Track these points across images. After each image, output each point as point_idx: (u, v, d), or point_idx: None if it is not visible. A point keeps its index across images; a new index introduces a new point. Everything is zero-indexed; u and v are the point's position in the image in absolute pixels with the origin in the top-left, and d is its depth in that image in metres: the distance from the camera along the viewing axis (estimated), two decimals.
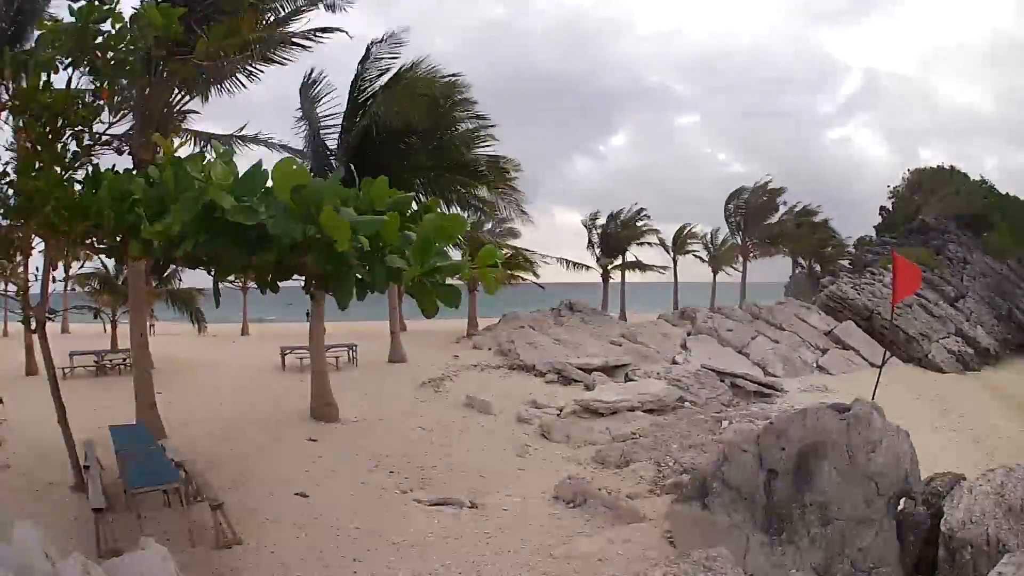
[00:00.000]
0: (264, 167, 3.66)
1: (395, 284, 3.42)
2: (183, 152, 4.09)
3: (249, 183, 3.52)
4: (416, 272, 3.32)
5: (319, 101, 14.39)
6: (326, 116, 14.44)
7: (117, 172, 4.51)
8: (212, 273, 4.16)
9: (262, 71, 11.32)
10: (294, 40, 11.07)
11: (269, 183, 3.53)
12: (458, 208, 15.79)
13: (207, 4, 9.09)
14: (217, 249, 3.50)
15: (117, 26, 5.05)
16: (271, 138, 13.64)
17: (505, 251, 28.09)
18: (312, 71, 14.20)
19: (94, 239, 4.60)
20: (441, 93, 14.15)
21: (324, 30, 11.34)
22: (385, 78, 14.08)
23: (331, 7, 11.72)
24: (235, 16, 9.11)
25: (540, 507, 7.94)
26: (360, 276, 3.42)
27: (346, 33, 11.85)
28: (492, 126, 15.20)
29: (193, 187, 3.48)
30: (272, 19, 10.79)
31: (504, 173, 16.21)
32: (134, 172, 4.75)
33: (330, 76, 14.20)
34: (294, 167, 3.44)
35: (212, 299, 4.44)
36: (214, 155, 3.81)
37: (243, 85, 11.41)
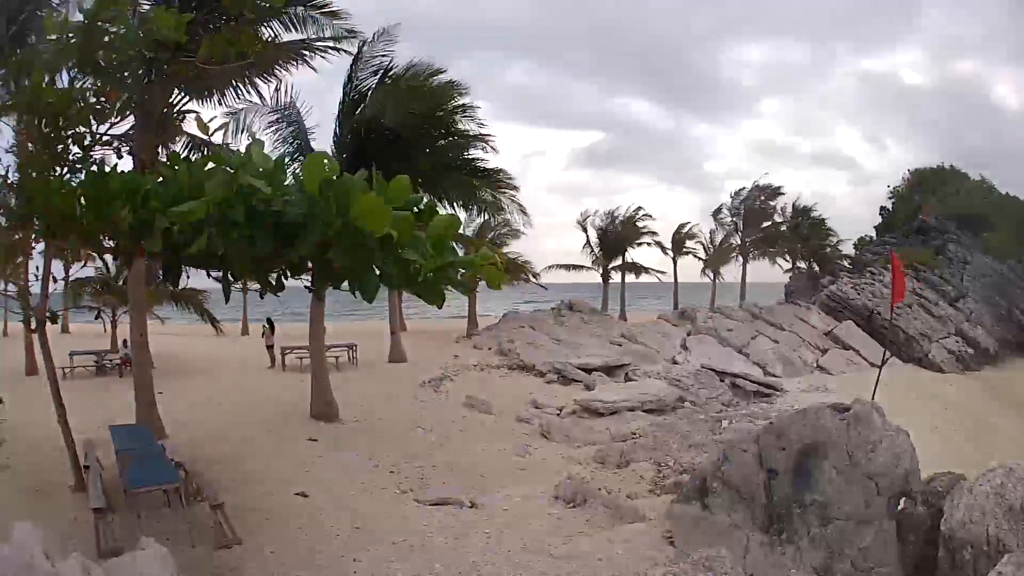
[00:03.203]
0: (285, 161, 3.73)
1: (410, 283, 3.52)
2: (185, 153, 4.12)
3: (278, 175, 3.59)
4: (433, 265, 3.43)
5: (299, 104, 14.31)
6: (310, 116, 14.42)
7: (125, 172, 4.52)
8: (224, 273, 4.17)
9: (267, 82, 11.40)
10: (300, 53, 11.12)
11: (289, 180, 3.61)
12: (460, 209, 15.82)
13: (211, 9, 9.10)
14: (238, 244, 3.54)
15: (123, 28, 5.06)
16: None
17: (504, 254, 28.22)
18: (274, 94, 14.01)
19: (105, 236, 4.59)
20: (438, 93, 14.12)
21: (328, 47, 11.45)
22: (379, 75, 14.04)
23: (338, 40, 11.80)
24: (238, 24, 9.14)
25: (540, 507, 7.93)
26: (379, 271, 3.50)
27: (349, 53, 11.98)
28: (490, 136, 15.20)
29: (222, 173, 3.54)
30: (271, 37, 10.83)
31: (504, 176, 16.22)
32: (140, 172, 4.76)
33: (324, 74, 14.16)
34: (324, 161, 3.50)
35: (213, 299, 4.48)
36: (251, 141, 3.88)
37: (240, 96, 11.49)
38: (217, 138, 11.04)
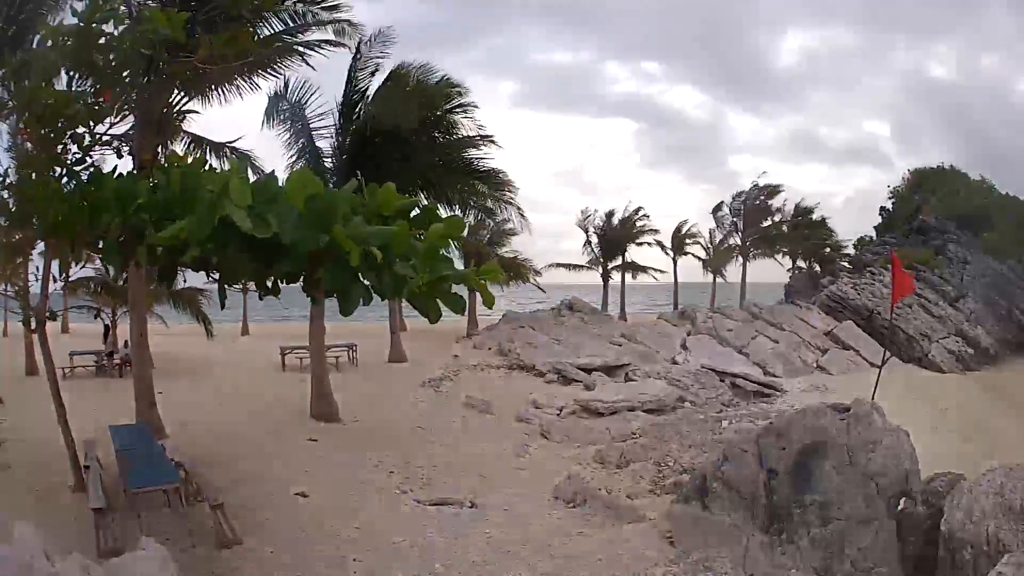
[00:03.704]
0: (275, 177, 3.69)
1: (403, 296, 3.44)
2: (184, 154, 4.12)
3: (263, 193, 3.54)
4: (423, 279, 3.36)
5: (306, 104, 14.28)
6: (316, 118, 14.37)
7: (121, 175, 4.51)
8: (218, 278, 4.16)
9: (264, 79, 11.39)
10: (296, 50, 11.10)
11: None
12: (458, 209, 15.80)
13: (210, 8, 9.10)
14: (229, 258, 3.51)
15: (120, 28, 5.05)
16: (258, 159, 13.53)
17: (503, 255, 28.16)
18: (280, 89, 13.95)
19: (97, 242, 4.59)
20: (436, 94, 14.13)
21: (327, 42, 11.40)
22: (379, 77, 14.05)
23: (339, 32, 11.76)
24: (237, 23, 9.14)
25: (540, 507, 7.93)
26: (370, 284, 3.45)
27: (349, 48, 11.92)
28: (491, 137, 15.21)
29: (204, 197, 3.49)
30: (274, 31, 10.81)
31: (503, 178, 16.23)
32: (136, 174, 4.75)
33: (322, 75, 14.10)
34: (306, 177, 3.46)
35: (212, 300, 4.47)
36: (227, 166, 3.84)
37: (241, 95, 11.47)
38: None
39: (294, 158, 14.23)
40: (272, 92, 13.63)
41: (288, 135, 14.34)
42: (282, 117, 14.17)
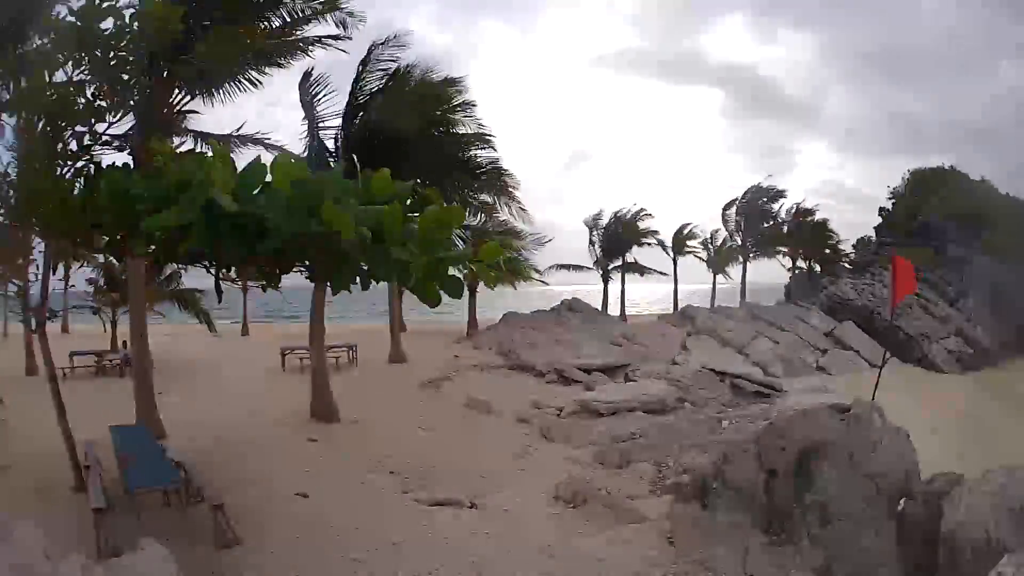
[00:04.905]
0: (263, 163, 3.68)
1: (400, 280, 3.42)
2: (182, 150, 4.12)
3: (249, 178, 3.54)
4: (422, 262, 3.33)
5: (317, 99, 14.34)
6: (325, 115, 14.42)
7: (116, 168, 4.51)
8: (213, 269, 4.18)
9: (267, 75, 11.36)
10: (299, 47, 11.08)
11: (268, 177, 3.57)
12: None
13: (210, 7, 9.10)
14: (218, 243, 3.52)
15: (117, 24, 5.05)
16: (267, 137, 13.42)
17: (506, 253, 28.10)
18: (312, 69, 14.04)
19: (94, 237, 4.60)
20: (439, 94, 14.19)
21: (331, 36, 11.38)
22: (385, 78, 14.11)
23: (341, 24, 11.72)
24: (237, 22, 9.13)
25: (540, 507, 7.94)
26: (366, 268, 3.44)
27: (345, 51, 11.92)
28: (491, 135, 15.26)
29: (192, 185, 3.50)
30: (274, 27, 10.77)
31: (505, 176, 16.26)
32: (132, 169, 4.75)
33: (331, 74, 14.16)
34: (292, 162, 3.47)
35: (213, 299, 4.50)
36: (211, 153, 3.84)
37: (243, 90, 11.43)
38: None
39: (305, 154, 14.29)
40: (303, 76, 13.72)
41: (303, 131, 14.44)
42: (303, 114, 14.26)
